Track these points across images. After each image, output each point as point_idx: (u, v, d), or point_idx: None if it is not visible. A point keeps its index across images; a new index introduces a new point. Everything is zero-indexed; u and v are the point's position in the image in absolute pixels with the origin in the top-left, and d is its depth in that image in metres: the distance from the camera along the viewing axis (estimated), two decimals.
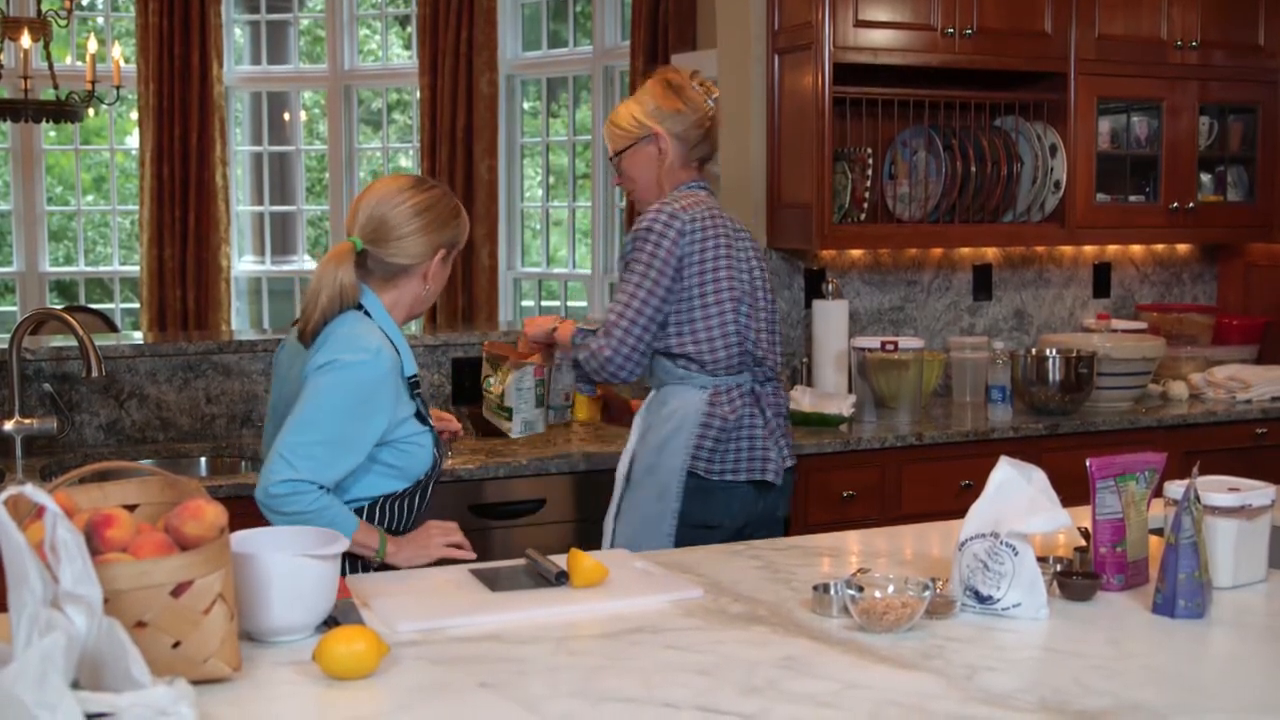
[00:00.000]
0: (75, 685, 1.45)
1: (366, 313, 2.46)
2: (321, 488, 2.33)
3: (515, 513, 3.41)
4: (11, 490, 1.55)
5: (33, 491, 1.52)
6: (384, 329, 2.44)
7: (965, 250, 4.68)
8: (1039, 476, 2.09)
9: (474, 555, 2.51)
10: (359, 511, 2.44)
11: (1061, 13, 4.35)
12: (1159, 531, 2.22)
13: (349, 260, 2.43)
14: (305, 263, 8.08)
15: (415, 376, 2.52)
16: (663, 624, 1.99)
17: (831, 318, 4.20)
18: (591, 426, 3.73)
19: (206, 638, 1.66)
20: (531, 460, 3.42)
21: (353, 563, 2.40)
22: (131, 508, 1.82)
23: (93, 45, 6.43)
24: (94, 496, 1.82)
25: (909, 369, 4.03)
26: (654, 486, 2.99)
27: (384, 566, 2.43)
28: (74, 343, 3.48)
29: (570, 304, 7.27)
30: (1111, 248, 4.90)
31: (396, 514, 2.50)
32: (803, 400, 3.98)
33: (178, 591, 1.64)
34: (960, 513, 2.13)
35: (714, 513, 2.99)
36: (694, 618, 2.02)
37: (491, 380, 3.24)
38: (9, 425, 3.46)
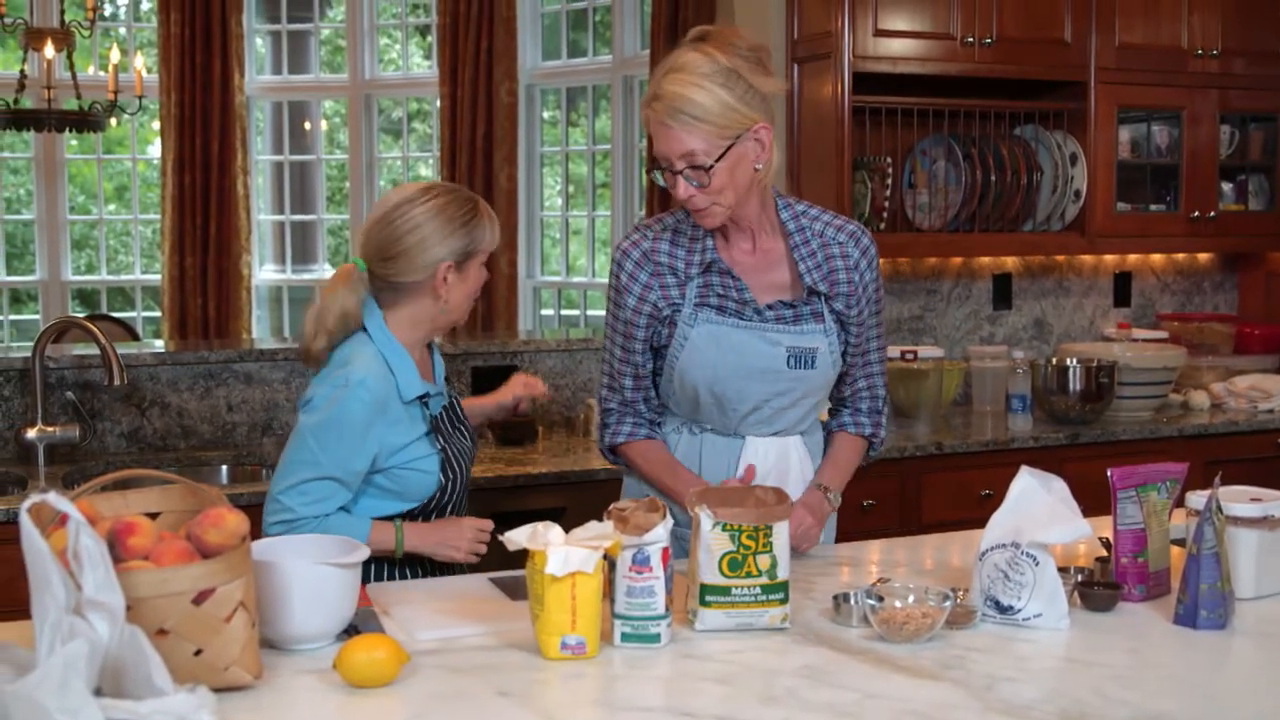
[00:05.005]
0: (98, 692, 1.46)
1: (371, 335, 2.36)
2: (320, 515, 2.29)
3: (535, 522, 3.40)
4: (35, 498, 1.56)
5: (55, 499, 1.53)
6: (383, 351, 2.33)
7: (985, 259, 4.66)
8: (1059, 486, 2.09)
9: (476, 559, 2.43)
10: None
11: (1081, 21, 4.34)
12: (1181, 542, 2.20)
13: (349, 283, 2.33)
14: (325, 271, 8.10)
15: (426, 395, 2.38)
16: (681, 632, 1.98)
17: None
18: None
19: (228, 645, 1.67)
20: (551, 469, 3.42)
21: (376, 570, 2.39)
22: (153, 515, 1.83)
23: (115, 55, 6.47)
24: (116, 504, 1.83)
25: (929, 378, 4.02)
26: None
27: (410, 559, 2.41)
28: (96, 351, 3.50)
29: (589, 313, 7.27)
30: (1132, 256, 4.88)
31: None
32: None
33: (199, 599, 1.64)
34: (980, 522, 2.12)
35: None
36: None
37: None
38: (32, 433, 3.48)
